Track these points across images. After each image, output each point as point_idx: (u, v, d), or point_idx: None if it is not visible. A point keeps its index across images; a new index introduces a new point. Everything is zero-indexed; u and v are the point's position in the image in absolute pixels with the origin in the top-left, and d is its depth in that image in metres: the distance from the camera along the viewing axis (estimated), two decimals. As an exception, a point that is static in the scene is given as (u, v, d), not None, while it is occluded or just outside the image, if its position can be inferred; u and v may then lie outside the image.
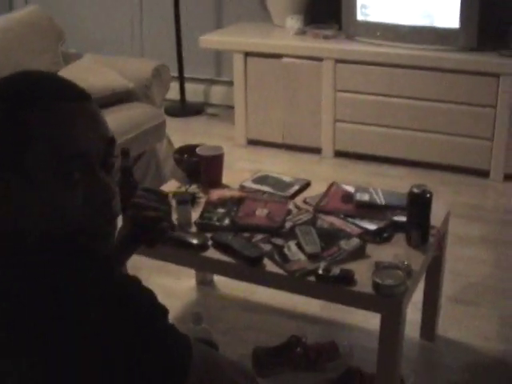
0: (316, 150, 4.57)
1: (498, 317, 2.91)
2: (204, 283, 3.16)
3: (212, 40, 4.76)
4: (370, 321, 2.72)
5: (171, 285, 3.13)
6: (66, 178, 1.05)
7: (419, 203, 2.31)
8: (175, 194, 2.58)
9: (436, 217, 2.42)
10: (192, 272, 3.15)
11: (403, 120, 4.28)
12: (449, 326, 2.82)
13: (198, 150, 2.80)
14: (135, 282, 1.06)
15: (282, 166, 4.35)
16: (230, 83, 5.14)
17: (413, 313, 2.61)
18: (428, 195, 2.30)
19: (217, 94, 5.56)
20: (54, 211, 1.06)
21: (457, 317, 2.90)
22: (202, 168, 2.77)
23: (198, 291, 3.14)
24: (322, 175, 4.08)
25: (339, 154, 4.54)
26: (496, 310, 2.96)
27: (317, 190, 2.76)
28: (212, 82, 5.58)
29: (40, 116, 1.04)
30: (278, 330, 2.80)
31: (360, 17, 4.34)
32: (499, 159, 4.10)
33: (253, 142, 4.76)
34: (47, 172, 1.04)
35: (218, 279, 3.16)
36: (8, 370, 0.98)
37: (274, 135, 4.67)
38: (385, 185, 3.46)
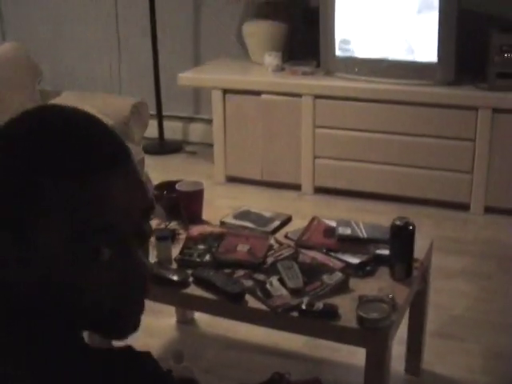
0: (296, 187, 4.56)
1: (482, 349, 2.89)
2: (185, 321, 3.12)
3: (190, 77, 4.76)
4: (355, 356, 2.68)
5: (151, 323, 3.08)
6: (90, 254, 0.88)
7: (402, 236, 2.29)
8: (155, 231, 2.55)
9: (419, 249, 2.41)
10: (172, 310, 3.10)
11: (383, 155, 4.28)
12: (434, 359, 2.79)
13: (177, 185, 2.77)
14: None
15: (262, 203, 4.32)
16: (209, 121, 5.13)
17: (397, 347, 2.57)
18: (411, 227, 2.29)
19: (195, 131, 5.54)
20: (68, 289, 0.89)
21: (441, 350, 2.87)
22: (182, 204, 2.74)
23: (179, 329, 3.09)
24: (302, 211, 4.05)
25: (319, 190, 4.52)
26: (480, 342, 2.94)
27: (298, 224, 2.74)
28: (190, 119, 5.56)
29: (58, 184, 0.86)
30: (261, 367, 2.76)
31: (338, 52, 4.35)
32: (479, 192, 4.11)
33: (232, 179, 4.74)
34: (61, 246, 0.87)
35: (198, 317, 3.12)
36: None
37: (254, 172, 4.65)
38: (365, 220, 3.44)
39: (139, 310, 0.98)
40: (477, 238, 3.90)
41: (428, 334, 2.79)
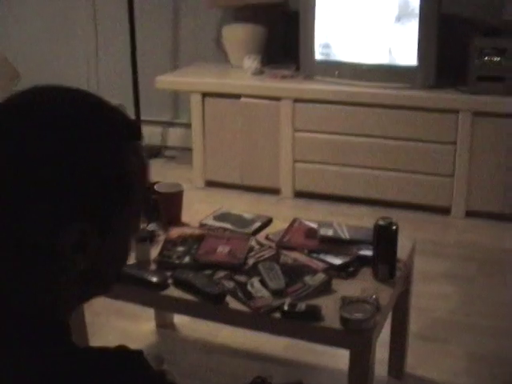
0: (275, 191, 4.52)
1: (465, 352, 2.87)
2: (164, 326, 3.07)
3: (169, 80, 4.72)
4: (337, 359, 2.65)
5: (130, 328, 3.03)
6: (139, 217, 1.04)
7: (386, 235, 2.26)
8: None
9: (402, 250, 2.37)
10: (151, 314, 3.05)
11: (363, 158, 4.26)
12: (417, 362, 2.76)
13: (156, 187, 2.73)
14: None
15: (242, 207, 4.26)
16: (188, 125, 5.09)
17: (380, 350, 2.53)
18: (394, 227, 2.26)
19: (174, 136, 5.50)
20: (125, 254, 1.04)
21: (424, 353, 2.84)
22: (161, 205, 2.70)
23: (159, 334, 3.04)
24: (281, 215, 4.00)
25: (299, 194, 4.49)
26: (463, 345, 2.92)
27: (279, 226, 2.71)
28: (169, 124, 5.52)
29: (130, 152, 0.96)
30: (242, 371, 2.72)
31: (318, 56, 4.33)
32: (460, 196, 4.09)
33: (211, 184, 4.70)
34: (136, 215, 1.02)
35: (178, 321, 3.07)
36: None
37: (233, 176, 4.61)
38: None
39: None
40: (458, 242, 3.89)
41: (410, 336, 2.76)
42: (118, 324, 3.02)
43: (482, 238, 3.91)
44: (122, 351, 0.96)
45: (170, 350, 2.91)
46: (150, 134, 5.45)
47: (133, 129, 0.98)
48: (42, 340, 0.91)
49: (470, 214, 4.13)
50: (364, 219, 3.92)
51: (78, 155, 0.89)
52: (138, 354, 0.96)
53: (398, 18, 4.08)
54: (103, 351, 0.94)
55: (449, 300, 3.27)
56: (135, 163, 0.96)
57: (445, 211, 4.16)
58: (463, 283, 3.42)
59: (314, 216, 4.09)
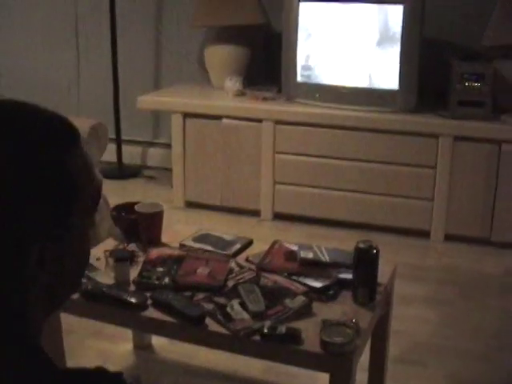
0: (255, 212, 4.51)
1: (444, 376, 2.86)
2: (142, 347, 3.03)
3: (150, 100, 4.71)
4: (315, 383, 2.63)
5: (107, 349, 3.00)
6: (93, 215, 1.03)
7: (366, 259, 2.25)
8: (113, 252, 2.49)
9: (382, 274, 2.36)
10: (129, 335, 3.02)
11: (343, 182, 4.27)
12: (396, 387, 2.75)
13: (136, 207, 2.71)
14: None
15: (221, 229, 4.23)
16: (168, 146, 5.09)
17: (359, 374, 2.52)
18: (375, 251, 2.25)
19: (154, 156, 5.49)
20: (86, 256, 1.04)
21: (404, 377, 2.83)
22: (141, 226, 2.68)
23: (136, 355, 3.00)
24: (261, 237, 3.98)
25: (278, 216, 4.49)
26: (442, 368, 2.91)
27: (259, 248, 2.70)
28: (149, 144, 5.51)
29: (75, 155, 0.96)
30: (220, 394, 2.70)
31: (299, 78, 4.34)
32: (440, 220, 4.11)
33: (191, 205, 4.68)
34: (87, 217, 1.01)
35: (156, 343, 3.04)
36: None
37: (213, 197, 4.60)
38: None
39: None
40: (437, 265, 3.89)
41: (390, 360, 2.75)
42: (95, 345, 2.99)
43: (461, 262, 3.92)
44: (101, 372, 0.94)
45: (148, 371, 2.88)
46: (130, 154, 5.44)
47: (70, 131, 0.97)
48: (18, 359, 0.89)
49: (449, 237, 4.14)
50: (343, 242, 3.89)
51: (21, 171, 0.89)
52: (118, 375, 0.94)
53: (380, 42, 4.10)
54: (82, 372, 0.92)
55: (428, 323, 3.27)
56: (78, 163, 0.96)
57: (424, 235, 4.17)
58: (443, 307, 3.42)
59: (293, 238, 4.08)
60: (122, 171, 5.34)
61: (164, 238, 2.73)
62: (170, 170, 4.82)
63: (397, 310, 2.81)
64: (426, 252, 4.06)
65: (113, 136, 5.08)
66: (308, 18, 4.25)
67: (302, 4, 4.23)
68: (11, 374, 0.87)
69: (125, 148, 5.38)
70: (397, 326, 2.99)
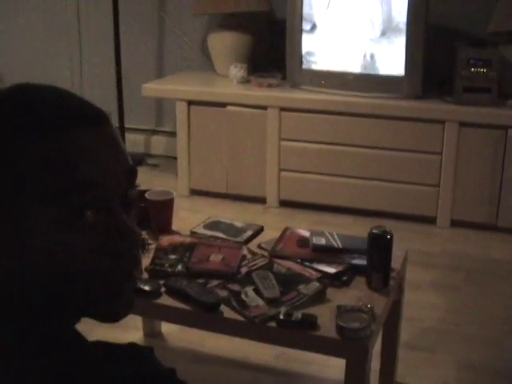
0: (261, 200, 4.51)
1: (454, 361, 2.87)
2: (152, 335, 3.04)
3: (154, 88, 4.70)
4: (328, 370, 2.64)
5: (118, 337, 2.96)
6: (72, 216, 0.84)
7: (380, 244, 2.26)
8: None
9: (394, 259, 2.37)
10: (139, 323, 3.03)
11: (349, 168, 4.26)
12: (407, 372, 2.76)
13: (147, 194, 2.71)
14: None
15: (227, 216, 4.25)
16: (171, 133, 5.08)
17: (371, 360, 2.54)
18: (389, 236, 2.26)
19: (157, 144, 5.48)
20: (51, 258, 0.85)
21: (414, 363, 2.84)
22: (152, 213, 2.68)
23: (146, 343, 3.00)
24: (267, 224, 3.98)
25: (284, 203, 4.49)
26: (452, 354, 2.92)
27: (269, 235, 2.70)
28: (153, 132, 5.50)
29: (35, 146, 0.84)
30: (231, 381, 2.71)
31: (304, 65, 4.33)
32: (446, 206, 4.11)
33: (196, 193, 4.68)
34: (47, 212, 0.83)
35: (166, 330, 3.04)
36: None
37: (218, 185, 4.60)
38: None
39: (129, 283, 0.92)
40: (444, 251, 3.90)
41: (400, 346, 2.76)
42: (104, 333, 2.97)
43: (467, 248, 3.93)
44: (133, 347, 0.93)
45: (159, 358, 2.88)
46: (133, 142, 5.43)
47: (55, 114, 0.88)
48: (51, 335, 0.89)
49: (455, 223, 4.14)
50: (349, 228, 3.92)
51: None
52: (149, 350, 0.94)
53: (385, 28, 4.09)
54: (115, 345, 0.91)
55: (437, 309, 3.28)
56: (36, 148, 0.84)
57: (430, 221, 4.17)
58: (451, 292, 3.43)
59: (300, 225, 4.06)
60: (126, 159, 5.32)
61: (174, 226, 2.73)
62: (173, 158, 4.81)
63: (405, 296, 2.82)
64: (433, 238, 4.06)
65: (116, 124, 5.07)
66: (312, 4, 4.24)
67: (305, -10, 4.22)
68: (44, 348, 0.87)
69: (128, 136, 5.37)
70: (405, 311, 2.99)
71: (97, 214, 0.85)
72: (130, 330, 3.03)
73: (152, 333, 3.03)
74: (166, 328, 3.03)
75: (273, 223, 4.04)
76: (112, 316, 0.93)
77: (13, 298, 0.87)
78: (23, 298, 0.87)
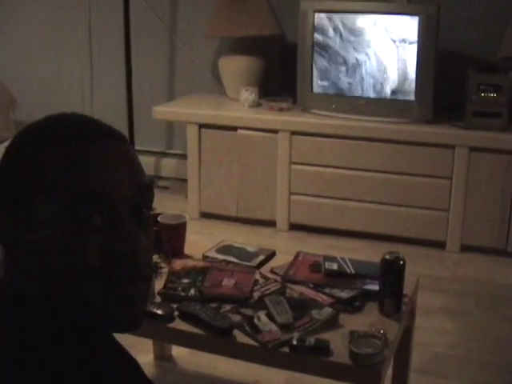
0: (271, 223, 4.52)
1: (466, 388, 2.87)
2: (162, 358, 3.04)
3: (165, 111, 4.72)
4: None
5: (129, 360, 3.00)
6: (82, 221, 0.90)
7: (393, 270, 2.27)
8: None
9: (406, 285, 2.37)
10: (149, 346, 3.03)
11: (359, 192, 4.27)
12: (418, 398, 2.76)
13: (159, 218, 2.72)
14: None
15: (238, 240, 4.25)
16: (181, 156, 5.10)
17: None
18: (401, 262, 2.26)
19: (168, 166, 5.50)
20: (62, 257, 0.90)
21: (425, 389, 2.84)
22: (165, 237, 2.69)
23: (157, 366, 3.01)
24: (278, 248, 3.98)
25: (294, 227, 4.49)
26: (464, 379, 2.91)
27: (282, 259, 2.71)
28: (163, 154, 5.52)
29: (49, 155, 0.93)
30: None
31: (315, 89, 4.35)
32: (456, 230, 4.11)
33: (206, 215, 4.69)
34: (58, 216, 0.90)
35: (176, 354, 3.05)
36: None
37: (228, 208, 4.61)
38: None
39: (132, 294, 0.94)
40: (454, 276, 3.89)
41: (411, 371, 2.75)
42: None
43: (477, 273, 3.92)
44: None
45: (169, 382, 2.89)
46: (144, 164, 5.40)
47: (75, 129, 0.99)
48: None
49: (464, 248, 4.14)
50: (360, 253, 3.92)
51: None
52: None
53: (396, 53, 4.11)
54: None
55: (448, 335, 3.27)
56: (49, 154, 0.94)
57: (440, 245, 4.17)
58: (462, 318, 3.42)
59: (310, 249, 4.06)
60: (136, 181, 5.34)
61: (186, 250, 2.74)
62: (183, 180, 4.82)
63: (416, 321, 2.82)
64: (442, 263, 4.06)
65: (127, 146, 5.08)
66: (323, 28, 4.27)
67: (316, 15, 4.25)
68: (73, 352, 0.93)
69: (138, 158, 5.38)
70: (416, 336, 2.99)
71: (103, 220, 0.92)
72: (140, 353, 3.01)
73: (162, 356, 3.04)
74: (177, 351, 3.03)
75: (283, 247, 4.06)
76: (117, 325, 0.96)
77: (34, 299, 0.93)
78: (43, 298, 0.92)
